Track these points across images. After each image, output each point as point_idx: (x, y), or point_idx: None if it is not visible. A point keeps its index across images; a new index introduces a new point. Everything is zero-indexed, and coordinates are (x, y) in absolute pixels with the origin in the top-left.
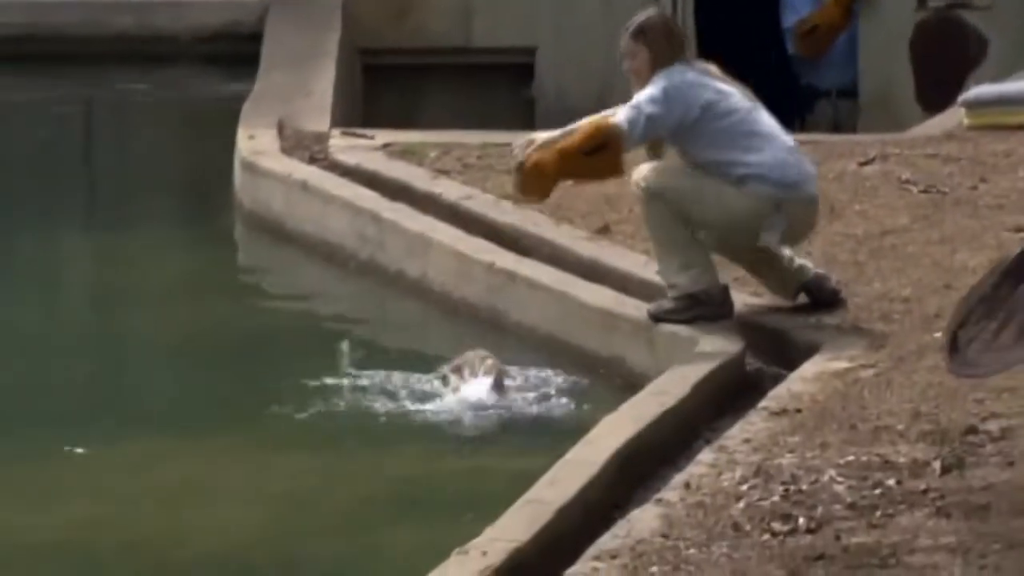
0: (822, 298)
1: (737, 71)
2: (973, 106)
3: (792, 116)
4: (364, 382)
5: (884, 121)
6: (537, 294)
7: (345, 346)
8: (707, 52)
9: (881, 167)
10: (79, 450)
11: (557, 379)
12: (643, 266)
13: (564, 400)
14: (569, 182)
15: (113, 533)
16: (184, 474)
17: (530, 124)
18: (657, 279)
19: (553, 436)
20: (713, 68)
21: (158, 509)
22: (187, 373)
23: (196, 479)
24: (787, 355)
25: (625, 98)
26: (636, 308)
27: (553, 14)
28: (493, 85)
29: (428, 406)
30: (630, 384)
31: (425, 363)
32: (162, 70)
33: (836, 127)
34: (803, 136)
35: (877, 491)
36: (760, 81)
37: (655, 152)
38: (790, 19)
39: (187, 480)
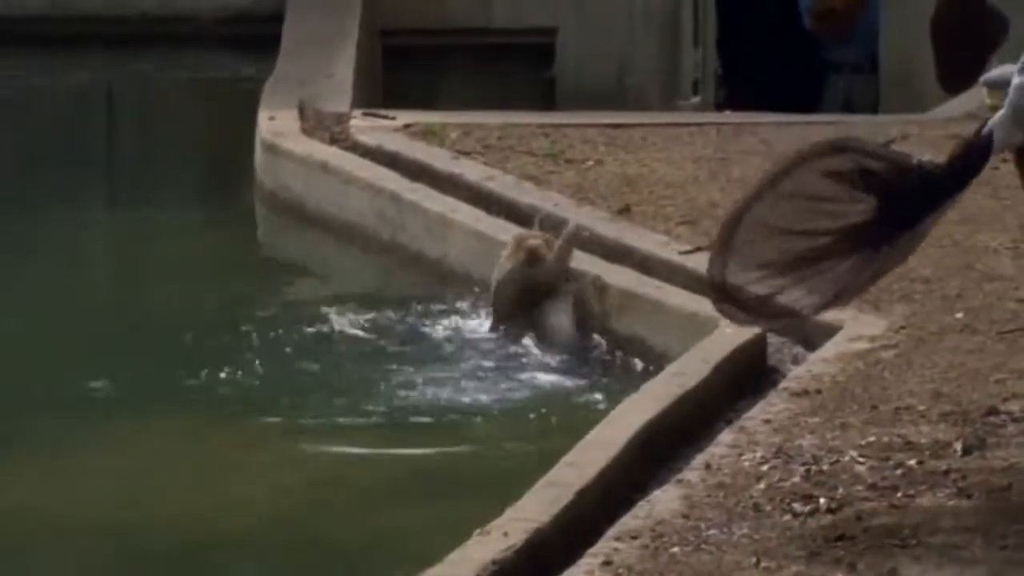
0: None
1: (757, 49)
2: (995, 86)
3: (812, 94)
4: (384, 362)
5: (905, 100)
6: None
7: (365, 326)
8: (728, 30)
9: (901, 148)
10: (102, 431)
11: (576, 357)
12: (664, 246)
13: (584, 380)
14: None
15: (137, 511)
16: (207, 456)
17: (550, 104)
18: (678, 259)
19: (574, 415)
20: None
21: (180, 491)
22: (209, 355)
23: (218, 461)
24: (808, 336)
25: (641, 77)
26: (656, 288)
27: None
28: (513, 66)
29: (447, 391)
30: (649, 365)
31: (445, 345)
32: (183, 51)
33: (848, 104)
34: (819, 116)
35: (898, 472)
36: (779, 58)
37: None
38: None
39: (210, 461)
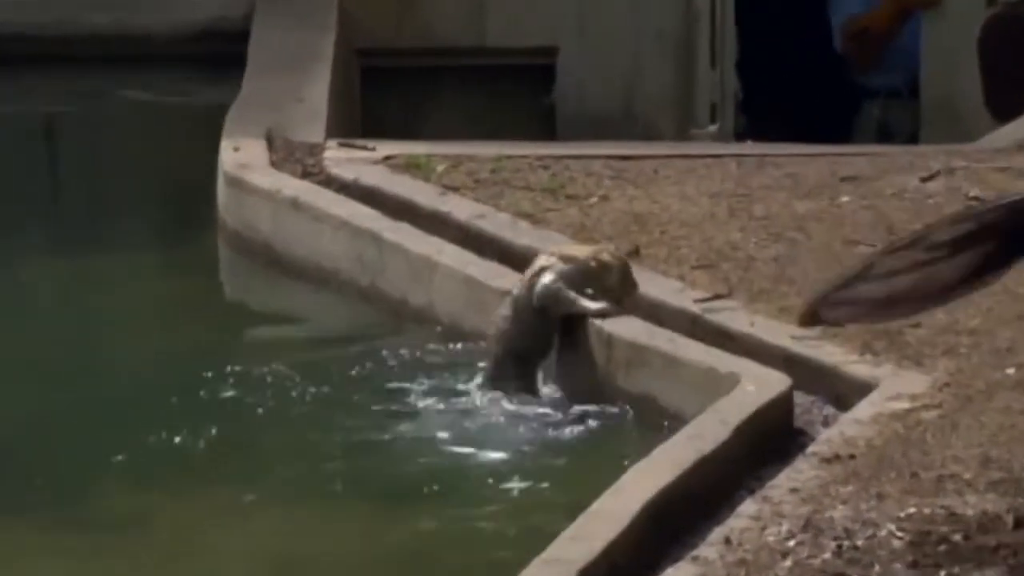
0: None
1: (782, 71)
2: None
3: (842, 120)
4: (364, 423)
5: (949, 130)
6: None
7: (341, 384)
8: (750, 50)
9: (946, 182)
10: (40, 507)
11: (580, 418)
12: (678, 293)
13: (588, 444)
14: None
15: None
16: (172, 531)
17: (550, 133)
18: (693, 308)
19: (576, 483)
20: None
21: (146, 571)
22: (163, 417)
23: (185, 536)
24: (840, 394)
25: (652, 103)
26: (668, 340)
27: (576, 12)
28: (509, 90)
29: (429, 457)
30: (661, 426)
31: (430, 404)
32: (139, 73)
33: (884, 132)
34: (851, 147)
35: (942, 548)
36: (807, 81)
37: None
38: (839, 16)
39: (176, 537)
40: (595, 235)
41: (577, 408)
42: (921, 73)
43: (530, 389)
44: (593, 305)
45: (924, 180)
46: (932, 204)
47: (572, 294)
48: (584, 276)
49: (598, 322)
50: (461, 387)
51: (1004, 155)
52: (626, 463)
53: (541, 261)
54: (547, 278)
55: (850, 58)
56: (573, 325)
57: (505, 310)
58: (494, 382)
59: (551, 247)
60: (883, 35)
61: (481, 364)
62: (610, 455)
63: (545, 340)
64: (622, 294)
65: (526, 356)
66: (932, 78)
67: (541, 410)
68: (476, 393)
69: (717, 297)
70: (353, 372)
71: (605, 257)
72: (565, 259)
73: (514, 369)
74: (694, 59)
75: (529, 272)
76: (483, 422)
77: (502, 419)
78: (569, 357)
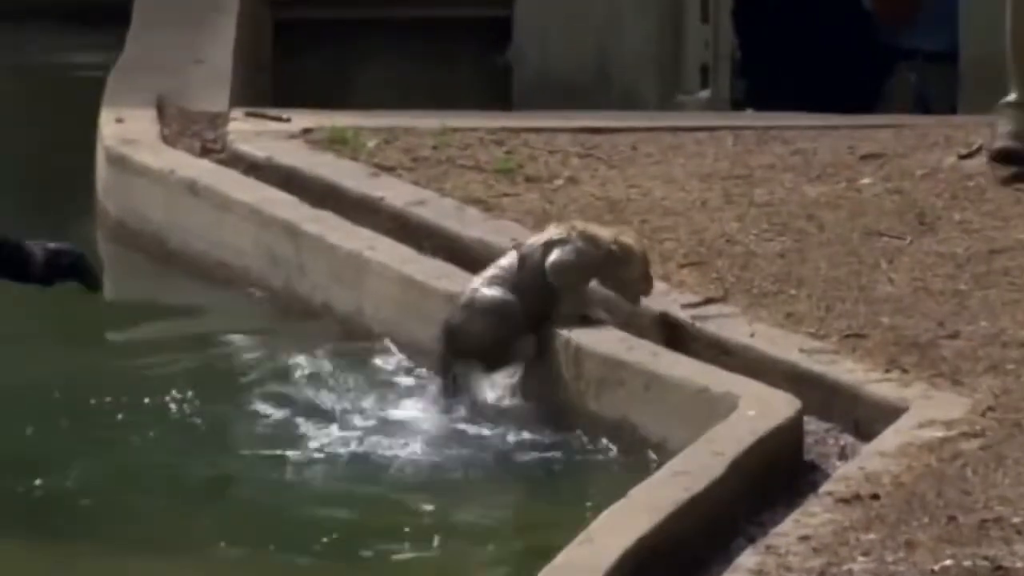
0: None
1: (792, 25)
2: None
3: (867, 87)
4: (278, 457)
5: (993, 98)
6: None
7: (245, 409)
8: (773, 9)
9: (1011, 141)
10: None
11: (543, 447)
12: (662, 297)
13: (552, 480)
14: None
15: None
16: None
17: (504, 100)
18: (681, 314)
19: (537, 530)
20: None
21: None
22: (33, 449)
23: None
24: (860, 420)
25: (630, 63)
26: (650, 354)
27: None
28: (455, 48)
29: (362, 505)
30: (642, 459)
31: (360, 431)
32: (3, 30)
33: (921, 100)
34: (875, 118)
35: None
36: (823, 39)
37: None
38: None
39: None
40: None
41: (538, 435)
42: (960, 29)
43: (493, 397)
44: (602, 315)
45: (963, 157)
46: (973, 187)
47: (587, 288)
48: (605, 263)
49: (564, 331)
50: (393, 410)
51: None
52: (596, 505)
53: (553, 231)
54: (565, 253)
55: (880, 12)
56: (545, 330)
57: (486, 286)
58: (447, 389)
59: (565, 221)
60: None
61: (422, 380)
62: (578, 495)
63: (526, 329)
64: (641, 291)
65: (498, 350)
66: (973, 35)
67: (494, 433)
68: (413, 415)
69: (709, 301)
70: (263, 392)
71: (628, 241)
72: (585, 237)
73: (479, 368)
74: (681, 10)
75: (534, 240)
76: (422, 450)
77: (446, 447)
78: (534, 369)
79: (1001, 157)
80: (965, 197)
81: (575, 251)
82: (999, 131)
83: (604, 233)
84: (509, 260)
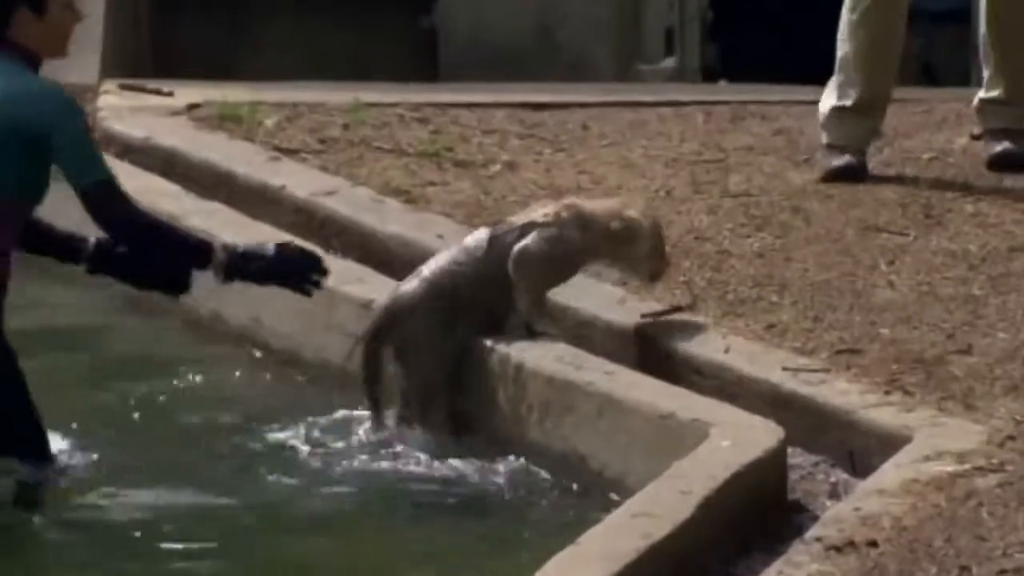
0: None
1: None
2: None
3: None
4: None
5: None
6: None
7: (127, 430)
8: None
9: (1007, 142)
10: None
11: (477, 481)
12: (618, 305)
13: (488, 522)
14: None
15: None
16: None
17: (430, 70)
18: (640, 325)
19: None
20: None
21: None
22: None
23: None
24: (856, 451)
25: (580, 26)
26: (605, 375)
27: None
28: (370, 7)
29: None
30: (595, 497)
31: (263, 465)
32: None
33: (927, 69)
34: None
35: None
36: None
37: None
38: None
39: None
40: (497, 220)
41: (471, 468)
42: None
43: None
44: (543, 328)
45: (975, 138)
46: (987, 174)
47: (544, 295)
48: (604, 244)
49: (502, 345)
50: (288, 436)
51: None
52: (540, 553)
53: (541, 211)
54: (534, 242)
55: None
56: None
57: (431, 272)
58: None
59: (564, 197)
60: None
61: (331, 403)
62: (518, 541)
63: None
64: (654, 269)
65: (427, 351)
66: None
67: (419, 467)
68: (323, 444)
69: (676, 310)
70: (144, 414)
71: (633, 215)
72: (579, 219)
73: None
74: None
75: (515, 220)
76: (324, 490)
77: (354, 484)
78: (469, 388)
79: (999, 164)
80: (979, 185)
81: (549, 241)
82: (986, 134)
83: (605, 209)
84: (476, 241)
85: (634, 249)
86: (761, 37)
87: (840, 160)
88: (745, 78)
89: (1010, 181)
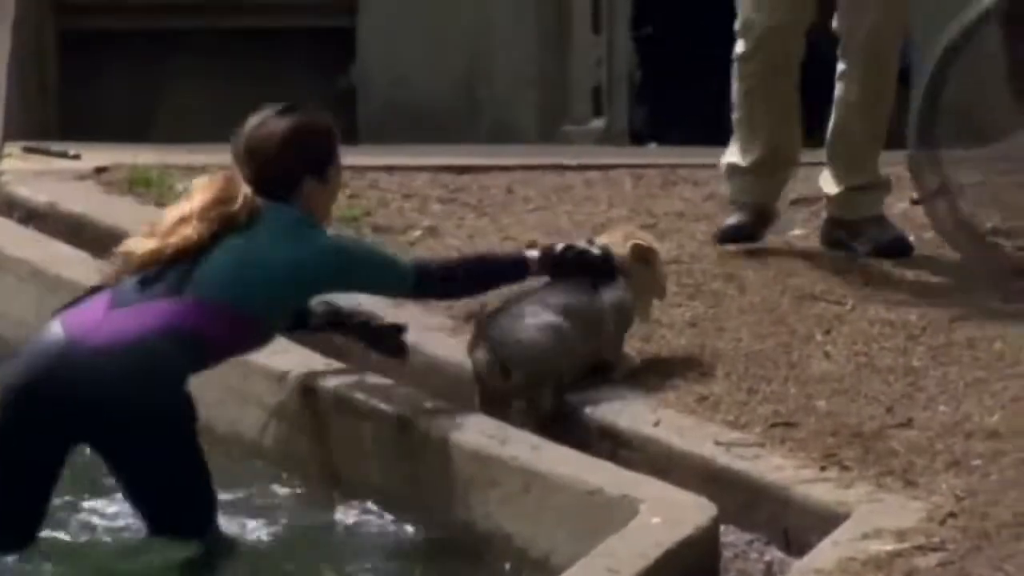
0: None
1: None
2: None
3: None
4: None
5: (954, 127)
6: (367, 425)
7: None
8: (654, 8)
9: (949, 205)
10: None
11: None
12: None
13: None
14: None
15: None
16: None
17: (348, 131)
18: (569, 398)
19: None
20: None
21: None
22: None
23: None
24: (791, 529)
25: (505, 86)
26: (530, 448)
27: None
28: (284, 67)
29: None
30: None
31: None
32: None
33: None
34: (819, 152)
35: None
36: None
37: None
38: None
39: None
40: None
41: (384, 551)
42: (911, 44)
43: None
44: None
45: (915, 203)
46: (929, 238)
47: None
48: (633, 265)
49: (423, 419)
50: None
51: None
52: None
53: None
54: None
55: (820, 23)
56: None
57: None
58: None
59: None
60: None
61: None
62: None
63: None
64: (662, 292)
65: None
66: (926, 50)
67: (332, 541)
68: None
69: (604, 381)
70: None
71: (643, 237)
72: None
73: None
74: (568, 19)
75: None
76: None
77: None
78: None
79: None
80: (920, 252)
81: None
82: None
83: (615, 239)
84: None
85: (652, 271)
86: (691, 98)
87: (733, 219)
88: (675, 140)
89: (951, 249)
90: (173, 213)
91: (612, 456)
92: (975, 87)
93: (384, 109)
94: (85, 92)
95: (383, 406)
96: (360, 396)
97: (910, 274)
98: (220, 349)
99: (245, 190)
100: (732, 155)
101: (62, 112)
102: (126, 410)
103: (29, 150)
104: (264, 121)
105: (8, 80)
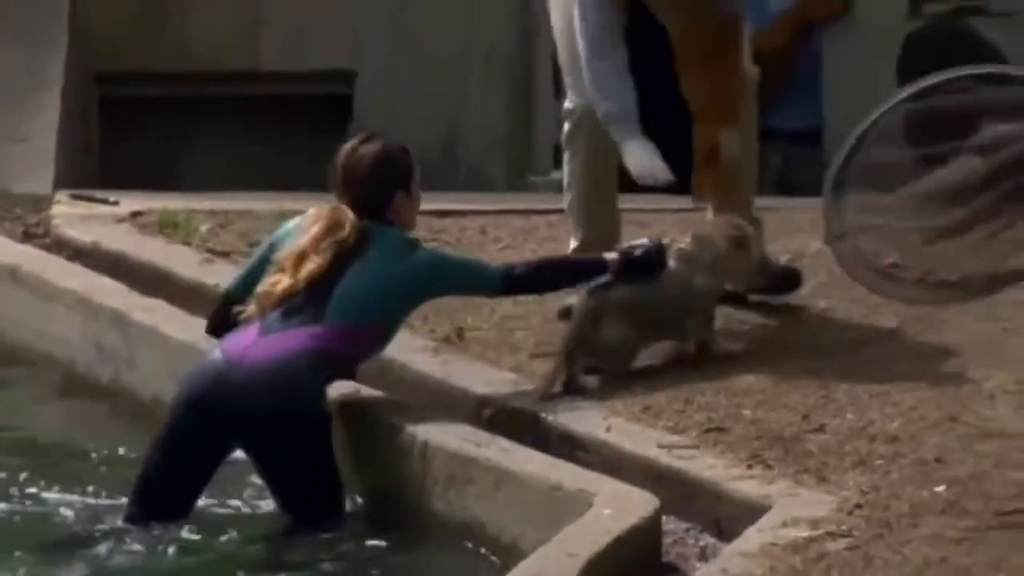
0: None
1: (649, 102)
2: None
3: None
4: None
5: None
6: (361, 431)
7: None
8: None
9: (855, 246)
10: None
11: (382, 549)
12: (511, 387)
13: None
14: None
15: None
16: None
17: None
18: (533, 408)
19: None
20: None
21: None
22: None
23: None
24: (722, 519)
25: (478, 142)
26: (501, 451)
27: (379, 26)
28: (293, 127)
29: None
30: (490, 561)
31: (186, 532)
32: None
33: (785, 183)
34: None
35: None
36: (682, 116)
37: None
38: None
39: None
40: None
41: (379, 539)
42: (823, 105)
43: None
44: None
45: (829, 243)
46: (839, 272)
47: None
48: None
49: (409, 426)
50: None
51: (934, 208)
52: None
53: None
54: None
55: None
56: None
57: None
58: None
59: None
60: (780, 59)
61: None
62: None
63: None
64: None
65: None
66: (836, 110)
67: (324, 534)
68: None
69: (565, 392)
70: (90, 504)
71: (739, 223)
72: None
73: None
74: (532, 86)
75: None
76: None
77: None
78: (376, 466)
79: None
80: (832, 283)
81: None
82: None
83: (713, 229)
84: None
85: (746, 254)
86: None
87: (573, 297)
88: (621, 189)
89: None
90: (292, 249)
91: (571, 457)
92: (882, 145)
93: None
94: (122, 148)
95: (375, 414)
96: (355, 405)
97: (822, 303)
98: (351, 362)
99: (350, 215)
100: (572, 239)
101: (103, 165)
102: (274, 418)
103: (76, 197)
104: (354, 149)
105: (58, 138)
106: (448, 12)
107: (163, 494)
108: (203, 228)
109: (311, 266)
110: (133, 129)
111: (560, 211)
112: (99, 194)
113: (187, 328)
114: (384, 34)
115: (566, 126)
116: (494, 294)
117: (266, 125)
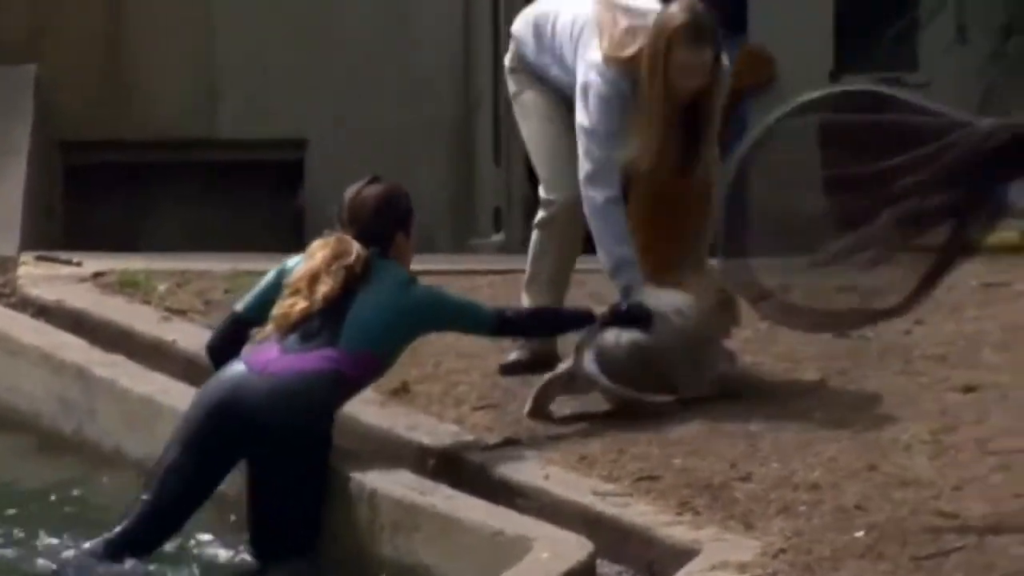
0: None
1: None
2: None
3: None
4: None
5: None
6: None
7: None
8: None
9: (781, 303)
10: None
11: None
12: (454, 438)
13: None
14: None
15: None
16: None
17: (298, 243)
18: (473, 457)
19: None
20: None
21: None
22: None
23: None
24: (653, 562)
25: (424, 207)
26: (446, 498)
27: (329, 97)
28: (246, 191)
29: None
30: None
31: None
32: None
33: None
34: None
35: None
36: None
37: None
38: None
39: None
40: None
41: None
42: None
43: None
44: None
45: (755, 301)
46: (766, 329)
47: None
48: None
49: (358, 474)
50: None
51: (849, 268)
52: None
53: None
54: None
55: None
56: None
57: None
58: None
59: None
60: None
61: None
62: None
63: None
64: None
65: None
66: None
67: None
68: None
69: (509, 443)
70: (52, 548)
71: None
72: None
73: None
74: (473, 154)
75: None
76: None
77: None
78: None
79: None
80: (756, 340)
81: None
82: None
83: (695, 292)
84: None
85: (731, 312)
86: None
87: (514, 354)
88: None
89: (784, 336)
90: (304, 272)
91: (511, 504)
92: (782, 200)
93: (327, 226)
94: (85, 212)
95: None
96: None
97: (749, 358)
98: (357, 388)
99: (356, 245)
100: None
101: (67, 228)
102: (285, 433)
103: (40, 258)
104: (360, 190)
105: (24, 202)
106: (394, 86)
107: (177, 490)
108: (162, 288)
109: (324, 288)
110: (96, 194)
111: (502, 272)
112: (63, 255)
113: (145, 382)
114: (334, 105)
115: (542, 213)
116: (487, 334)
117: (222, 190)
